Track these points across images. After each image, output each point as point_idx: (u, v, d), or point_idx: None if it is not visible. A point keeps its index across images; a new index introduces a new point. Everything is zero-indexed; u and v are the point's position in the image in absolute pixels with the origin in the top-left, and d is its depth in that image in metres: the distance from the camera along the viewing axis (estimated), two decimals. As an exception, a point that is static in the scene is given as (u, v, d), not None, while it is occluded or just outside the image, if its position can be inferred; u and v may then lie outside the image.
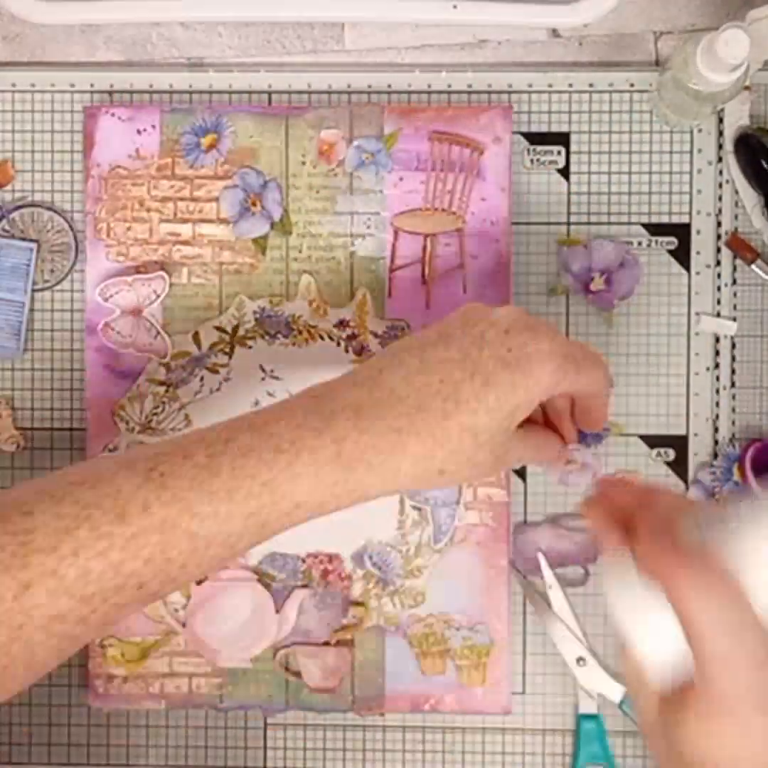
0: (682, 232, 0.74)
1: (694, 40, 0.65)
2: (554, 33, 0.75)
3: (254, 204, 0.73)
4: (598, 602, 0.74)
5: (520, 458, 0.62)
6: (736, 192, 0.74)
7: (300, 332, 0.74)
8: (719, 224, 0.74)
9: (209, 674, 0.74)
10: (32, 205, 0.75)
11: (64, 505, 0.54)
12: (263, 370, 0.74)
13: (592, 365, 0.61)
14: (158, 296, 0.73)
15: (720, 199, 0.74)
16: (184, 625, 0.73)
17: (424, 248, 0.73)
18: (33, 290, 0.74)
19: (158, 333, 0.73)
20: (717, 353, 0.74)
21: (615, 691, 0.73)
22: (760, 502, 0.50)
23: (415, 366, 0.58)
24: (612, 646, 0.74)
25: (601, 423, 0.65)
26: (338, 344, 0.74)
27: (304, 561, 0.74)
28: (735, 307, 0.74)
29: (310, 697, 0.73)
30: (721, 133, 0.74)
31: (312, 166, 0.74)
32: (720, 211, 0.74)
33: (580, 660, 0.73)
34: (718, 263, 0.74)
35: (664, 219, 0.74)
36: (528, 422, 0.61)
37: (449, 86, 0.75)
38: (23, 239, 0.74)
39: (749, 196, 0.74)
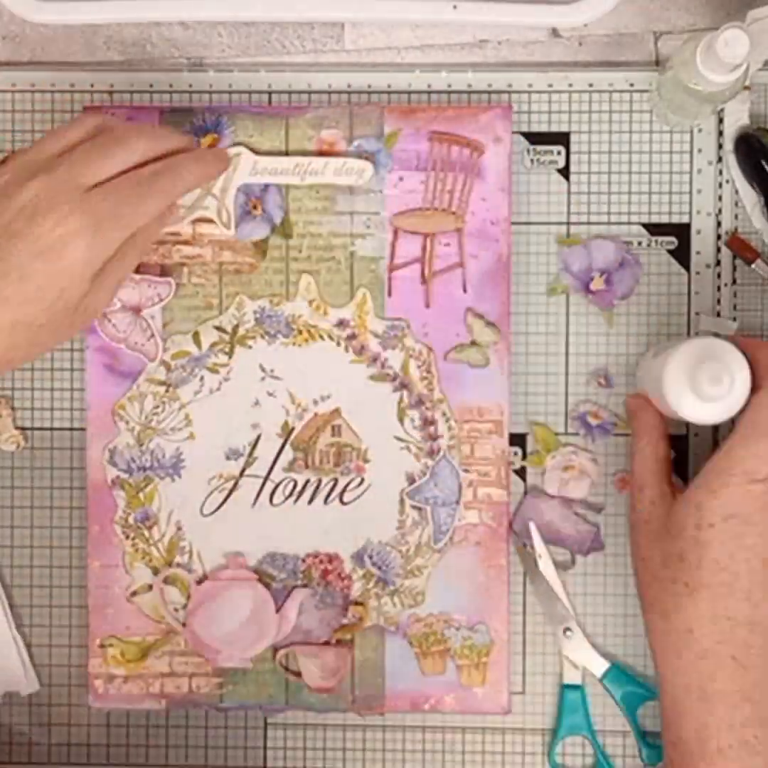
0: (682, 232, 0.74)
1: (694, 40, 0.65)
2: (554, 33, 0.75)
3: (255, 207, 0.73)
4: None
5: (111, 292, 0.65)
6: (736, 192, 0.74)
7: (300, 332, 0.74)
8: (719, 224, 0.74)
9: (209, 674, 0.74)
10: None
11: None
12: (263, 370, 0.74)
13: (135, 201, 0.62)
14: (161, 300, 0.72)
15: (720, 199, 0.74)
16: (184, 625, 0.73)
17: (424, 248, 0.73)
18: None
19: (153, 335, 0.73)
20: (717, 353, 0.74)
21: (598, 665, 0.73)
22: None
23: None
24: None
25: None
26: (338, 344, 0.74)
27: (304, 561, 0.74)
28: (735, 307, 0.74)
29: (310, 697, 0.73)
30: (721, 133, 0.74)
31: (312, 166, 0.74)
32: (720, 211, 0.74)
33: (567, 630, 0.73)
34: (718, 263, 0.74)
35: (664, 219, 0.74)
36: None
37: (449, 86, 0.75)
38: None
39: (749, 196, 0.74)
